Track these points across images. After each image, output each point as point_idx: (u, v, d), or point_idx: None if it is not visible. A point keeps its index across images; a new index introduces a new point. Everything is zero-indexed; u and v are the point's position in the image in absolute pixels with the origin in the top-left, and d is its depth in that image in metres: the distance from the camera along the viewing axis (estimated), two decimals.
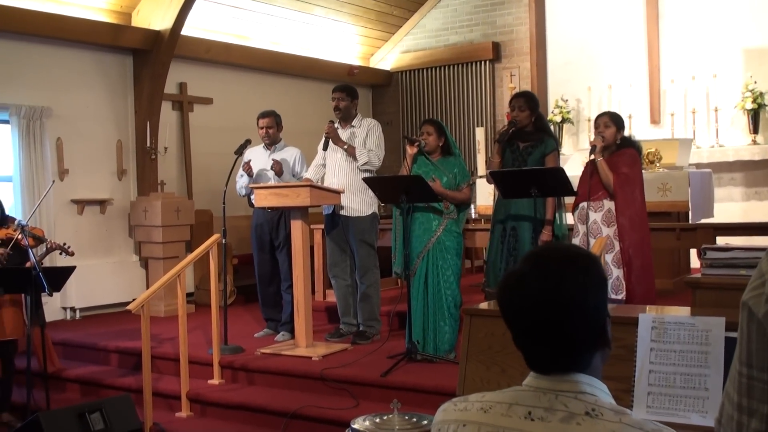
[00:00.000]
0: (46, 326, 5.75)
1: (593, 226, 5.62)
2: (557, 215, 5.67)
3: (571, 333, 1.50)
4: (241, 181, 6.83)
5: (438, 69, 11.72)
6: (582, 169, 6.08)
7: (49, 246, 5.81)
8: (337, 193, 6.18)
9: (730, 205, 9.48)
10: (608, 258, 5.56)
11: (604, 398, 1.51)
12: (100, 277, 8.29)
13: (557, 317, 1.50)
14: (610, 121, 5.65)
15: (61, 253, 5.90)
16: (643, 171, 5.94)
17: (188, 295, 7.49)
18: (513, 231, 5.69)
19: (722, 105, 9.67)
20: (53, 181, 7.32)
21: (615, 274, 5.56)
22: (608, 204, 5.57)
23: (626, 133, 5.90)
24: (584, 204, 5.67)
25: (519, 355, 1.58)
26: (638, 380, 2.56)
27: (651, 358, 2.56)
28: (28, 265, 5.52)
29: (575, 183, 5.59)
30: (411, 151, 5.82)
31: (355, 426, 3.26)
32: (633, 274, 5.50)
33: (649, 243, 5.69)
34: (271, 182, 6.60)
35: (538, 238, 5.57)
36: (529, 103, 5.80)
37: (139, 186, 8.84)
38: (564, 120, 10.60)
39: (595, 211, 5.63)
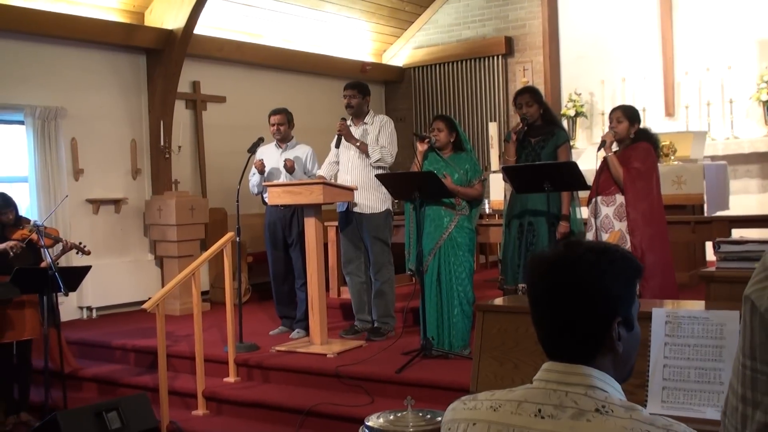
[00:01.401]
0: (60, 326, 5.79)
1: (605, 220, 5.58)
2: (572, 210, 5.64)
3: (575, 308, 1.50)
4: (254, 179, 6.85)
5: (450, 64, 11.69)
6: (597, 162, 6.04)
7: (65, 245, 5.84)
8: (350, 190, 6.18)
9: (746, 197, 9.42)
10: None
11: (616, 395, 1.50)
12: (115, 276, 8.34)
13: (566, 291, 1.50)
14: (623, 115, 5.59)
15: (77, 252, 5.93)
16: (658, 164, 5.88)
17: (203, 293, 7.54)
18: (530, 226, 5.65)
19: (737, 97, 9.61)
20: (66, 195, 7.40)
21: None
22: (620, 198, 5.52)
23: (641, 126, 5.83)
24: (596, 198, 5.64)
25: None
26: (652, 375, 2.55)
27: (665, 353, 2.55)
28: (43, 265, 5.55)
29: (589, 177, 5.55)
30: (421, 148, 5.80)
31: (369, 424, 3.26)
32: (646, 270, 5.44)
33: (666, 238, 5.61)
34: (283, 180, 6.61)
35: (555, 232, 5.54)
36: (536, 96, 5.79)
37: (153, 185, 8.87)
38: (578, 114, 10.55)
39: (607, 206, 5.59)
